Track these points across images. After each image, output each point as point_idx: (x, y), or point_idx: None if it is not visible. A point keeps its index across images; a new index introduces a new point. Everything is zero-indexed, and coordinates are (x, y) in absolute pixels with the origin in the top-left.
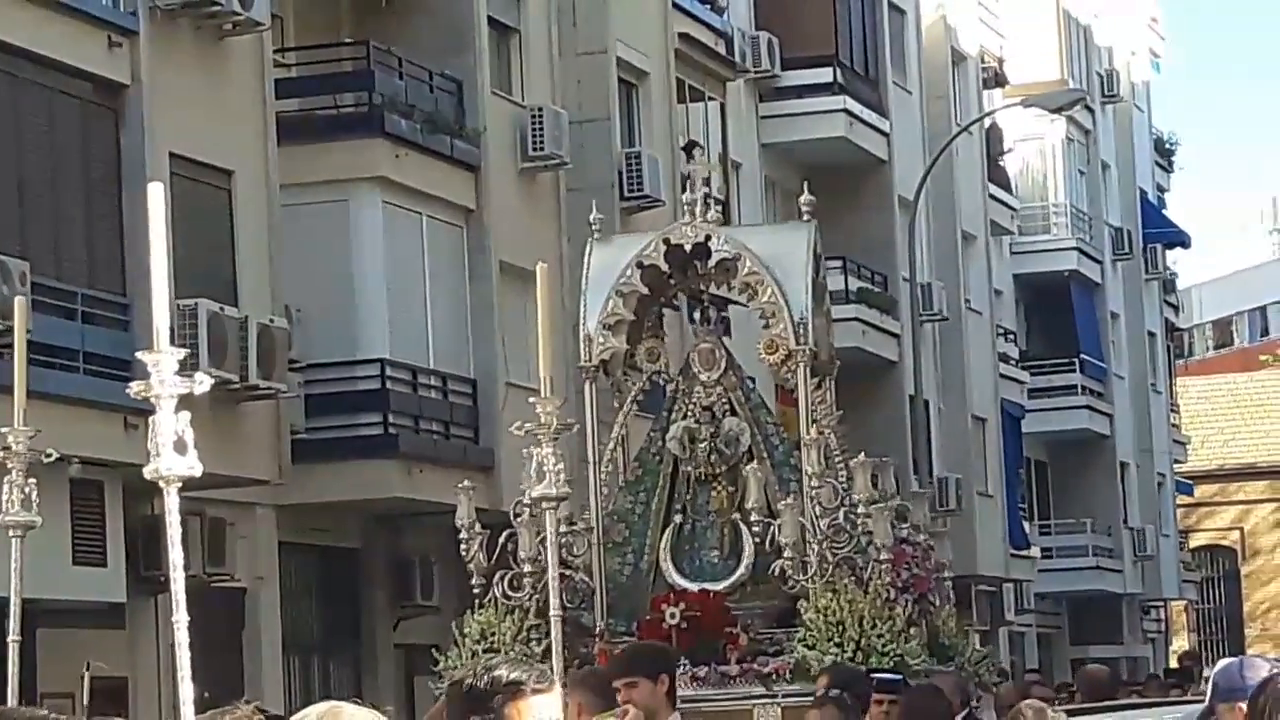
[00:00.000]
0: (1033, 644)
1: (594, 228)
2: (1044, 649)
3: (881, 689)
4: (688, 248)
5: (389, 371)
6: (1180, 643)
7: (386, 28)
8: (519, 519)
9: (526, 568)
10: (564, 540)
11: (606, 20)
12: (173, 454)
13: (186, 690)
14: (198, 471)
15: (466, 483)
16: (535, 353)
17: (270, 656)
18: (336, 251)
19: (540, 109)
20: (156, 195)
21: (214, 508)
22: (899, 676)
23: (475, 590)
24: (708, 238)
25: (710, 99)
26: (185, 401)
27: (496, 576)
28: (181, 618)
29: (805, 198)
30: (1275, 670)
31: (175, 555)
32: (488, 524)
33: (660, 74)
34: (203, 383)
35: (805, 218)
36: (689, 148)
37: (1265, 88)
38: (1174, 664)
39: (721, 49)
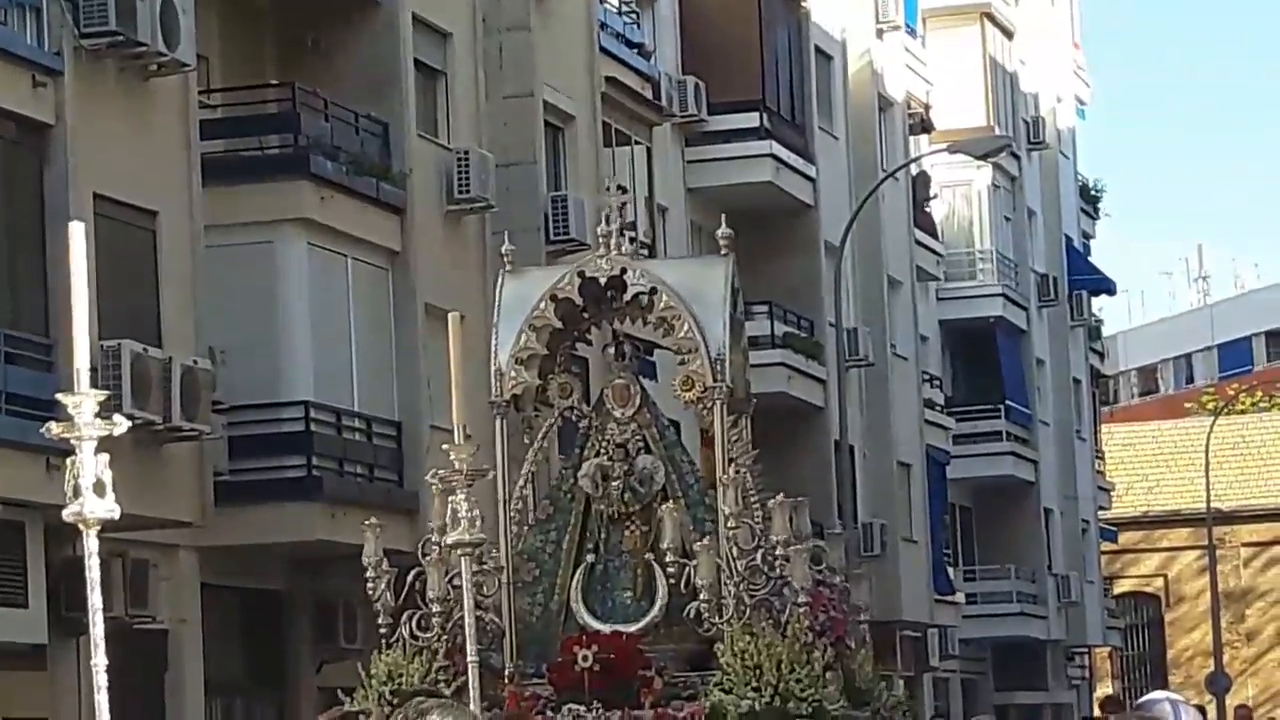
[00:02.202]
0: (957, 690)
1: (506, 259)
2: (968, 695)
3: None
4: (603, 280)
5: (313, 414)
6: (1104, 689)
7: (312, 70)
8: (427, 558)
9: (435, 607)
10: (474, 580)
11: (533, 64)
12: (92, 496)
13: None
14: (116, 514)
15: (374, 520)
16: (453, 398)
17: (193, 699)
18: (261, 293)
19: (466, 152)
20: (78, 235)
21: (136, 549)
22: None
23: (382, 630)
24: (623, 271)
25: (637, 143)
26: (107, 443)
27: (404, 616)
28: (100, 660)
29: (723, 231)
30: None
31: (95, 598)
32: (410, 566)
33: (587, 118)
34: (121, 424)
35: (723, 252)
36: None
37: (1190, 136)
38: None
39: (648, 93)
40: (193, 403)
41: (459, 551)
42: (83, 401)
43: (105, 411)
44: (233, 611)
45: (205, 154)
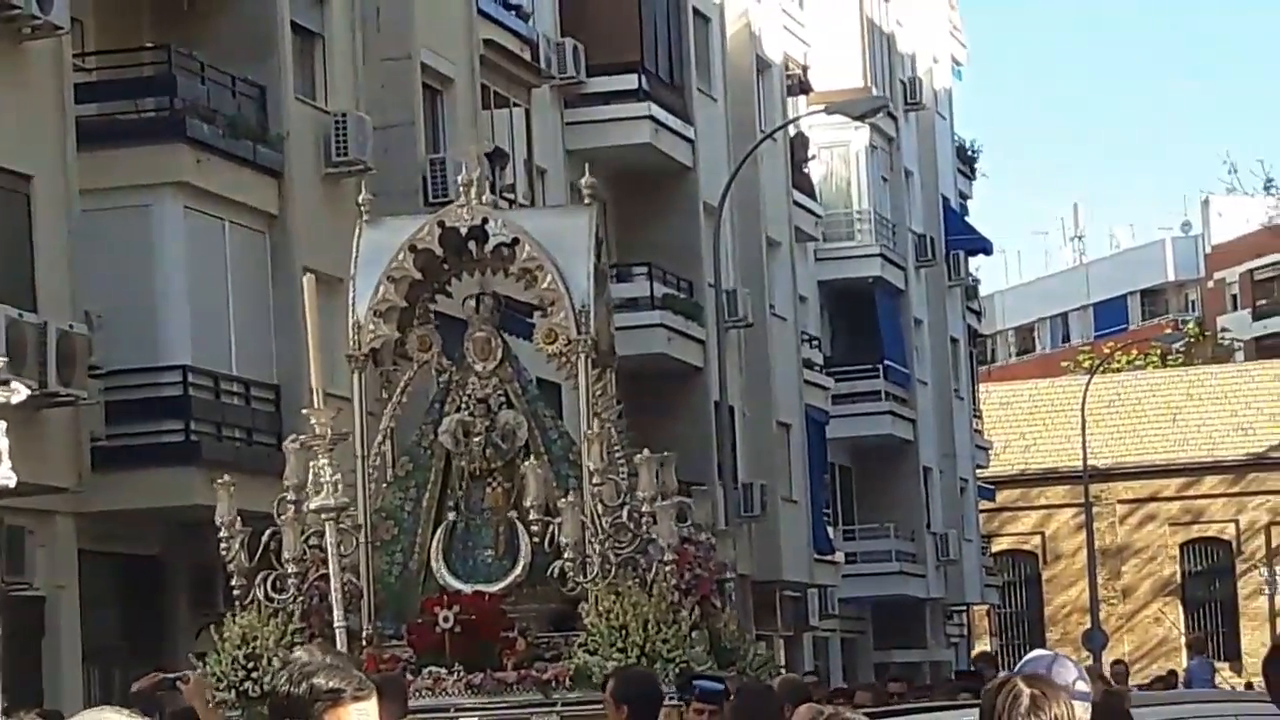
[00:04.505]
0: (836, 649)
1: (363, 209)
2: (848, 653)
3: (704, 698)
4: (463, 230)
5: (191, 378)
6: (983, 646)
7: (188, 32)
8: (282, 518)
9: (291, 568)
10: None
11: (411, 26)
12: None
13: None
14: (12, 482)
15: (226, 478)
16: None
17: (70, 665)
18: (138, 257)
19: (344, 115)
20: None
21: (12, 516)
22: (721, 685)
23: (236, 592)
24: (484, 220)
25: (515, 105)
26: None
27: (259, 578)
28: None
29: (586, 180)
30: (1032, 671)
31: None
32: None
33: (465, 80)
34: (19, 392)
35: (586, 201)
36: (493, 154)
37: (1066, 97)
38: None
39: (527, 55)
40: (69, 368)
41: (323, 516)
42: None
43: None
44: (110, 577)
45: (80, 117)
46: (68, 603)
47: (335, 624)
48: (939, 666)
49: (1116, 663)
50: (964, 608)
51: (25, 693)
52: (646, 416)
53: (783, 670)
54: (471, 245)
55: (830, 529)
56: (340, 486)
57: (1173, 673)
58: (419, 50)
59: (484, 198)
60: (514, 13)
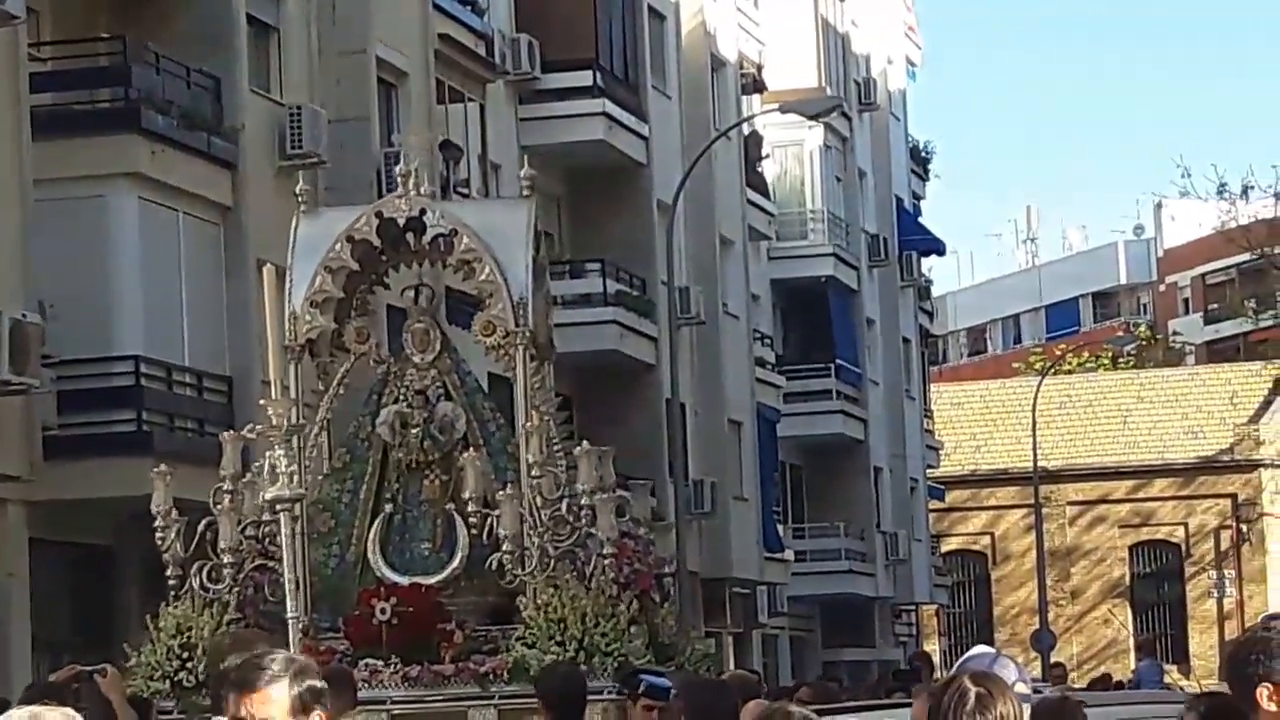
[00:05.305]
0: (785, 647)
1: (300, 199)
2: (796, 652)
3: (651, 694)
4: (401, 221)
5: (143, 368)
6: (931, 646)
7: (144, 23)
8: (218, 507)
9: (226, 558)
10: (265, 530)
11: (367, 20)
12: None
13: None
14: None
15: (163, 467)
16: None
17: (19, 654)
18: (91, 247)
19: (299, 108)
20: None
21: None
22: (667, 684)
23: (171, 582)
24: (422, 211)
25: (470, 100)
26: None
27: (194, 568)
28: None
29: (525, 171)
30: (974, 669)
31: None
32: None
33: (420, 74)
34: None
35: (525, 193)
36: (445, 146)
37: (1020, 99)
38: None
39: (482, 50)
40: (21, 356)
41: (279, 507)
42: None
43: None
44: (61, 566)
45: (35, 107)
46: (18, 592)
47: (288, 615)
48: (888, 665)
49: (1055, 665)
50: (913, 607)
51: None
52: (598, 412)
53: (726, 668)
54: (410, 236)
55: (780, 527)
56: (295, 478)
57: (1107, 675)
58: (374, 44)
59: (424, 189)
60: (469, 8)
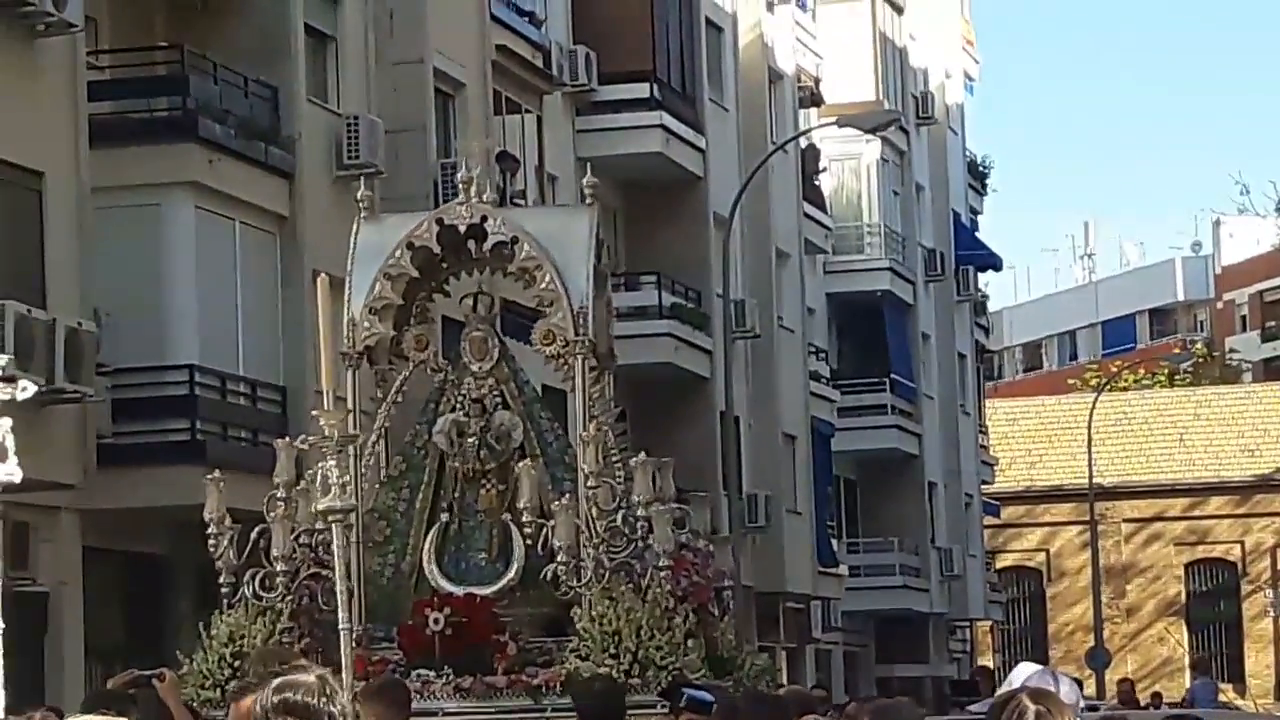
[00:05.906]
0: (839, 662)
1: (361, 205)
2: (850, 667)
3: (693, 707)
4: (462, 228)
5: (198, 377)
6: (985, 662)
7: (202, 32)
8: (272, 515)
9: (280, 566)
10: (319, 538)
11: (424, 30)
12: None
13: None
14: (17, 478)
15: (217, 473)
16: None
17: (72, 662)
18: (147, 256)
19: (356, 117)
20: None
21: (17, 511)
22: (709, 697)
23: (224, 590)
24: (484, 219)
25: (527, 111)
26: None
27: (247, 575)
28: None
29: (588, 180)
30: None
31: None
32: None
33: (477, 85)
34: (26, 389)
35: (588, 201)
36: (501, 157)
37: (1078, 114)
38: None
39: (539, 62)
40: (76, 365)
41: (330, 518)
42: None
43: (5, 376)
44: (114, 575)
45: (93, 115)
46: (71, 600)
47: (341, 625)
48: (941, 682)
49: (1123, 681)
50: (967, 623)
51: (27, 690)
52: (652, 425)
53: (782, 682)
54: (470, 244)
55: (834, 541)
56: (349, 489)
57: (1158, 695)
58: (431, 54)
59: (484, 196)
60: (527, 19)
